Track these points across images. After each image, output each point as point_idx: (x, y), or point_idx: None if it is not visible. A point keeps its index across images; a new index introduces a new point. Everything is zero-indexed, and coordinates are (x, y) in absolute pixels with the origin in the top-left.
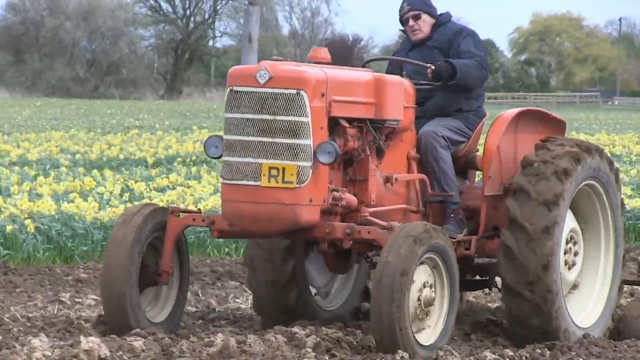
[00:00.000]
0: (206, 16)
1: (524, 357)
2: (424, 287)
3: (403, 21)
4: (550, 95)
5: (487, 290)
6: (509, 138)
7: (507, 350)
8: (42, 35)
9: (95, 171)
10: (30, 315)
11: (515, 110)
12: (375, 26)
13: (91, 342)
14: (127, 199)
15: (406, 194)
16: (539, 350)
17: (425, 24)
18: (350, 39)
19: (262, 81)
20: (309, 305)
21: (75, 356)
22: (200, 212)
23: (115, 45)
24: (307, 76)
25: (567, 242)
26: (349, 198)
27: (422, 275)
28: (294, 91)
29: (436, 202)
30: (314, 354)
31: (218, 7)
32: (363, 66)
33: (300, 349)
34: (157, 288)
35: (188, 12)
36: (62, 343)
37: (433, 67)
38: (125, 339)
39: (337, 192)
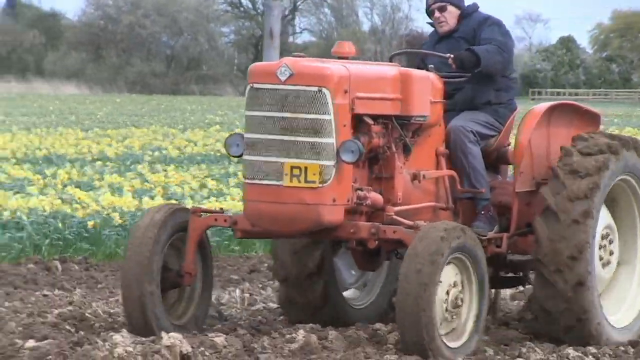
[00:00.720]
0: (286, 12)
1: (607, 355)
2: (452, 287)
3: (429, 13)
4: (632, 91)
5: (520, 287)
6: (541, 132)
7: (590, 348)
8: (119, 31)
9: (174, 167)
10: (111, 311)
11: (546, 104)
12: None
13: (173, 338)
14: (206, 195)
15: (435, 191)
16: (622, 348)
17: (451, 15)
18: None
19: (283, 78)
20: (336, 302)
21: (157, 352)
22: (223, 212)
23: (195, 41)
24: (329, 73)
25: (602, 238)
26: (374, 197)
27: (449, 275)
28: (316, 88)
29: (466, 198)
30: (394, 350)
31: (298, 3)
32: (390, 60)
33: (381, 345)
34: (180, 290)
35: None
36: (143, 339)
37: (452, 56)
38: (206, 335)
39: (362, 191)
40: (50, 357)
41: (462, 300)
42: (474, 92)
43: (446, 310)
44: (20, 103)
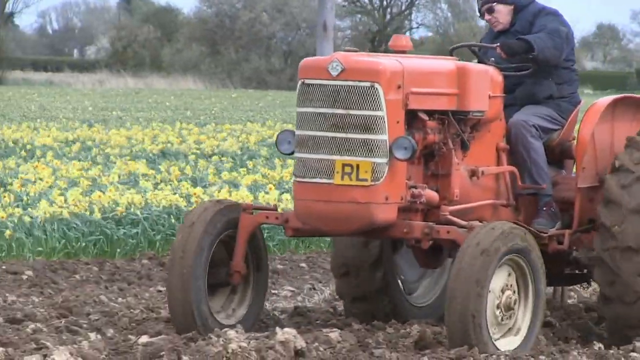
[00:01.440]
0: (403, 7)
1: None
2: (505, 290)
3: (482, 15)
4: None
5: (585, 284)
6: (604, 127)
7: None
8: (237, 27)
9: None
10: None
11: (610, 98)
12: (571, 19)
13: (287, 333)
14: None
15: (495, 187)
16: None
17: (501, 14)
18: None
19: (334, 73)
20: (395, 297)
21: (271, 347)
22: (277, 210)
23: (311, 36)
24: (381, 68)
25: None
26: (430, 194)
27: (502, 278)
28: (368, 84)
29: (528, 195)
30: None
31: None
32: (450, 54)
33: None
34: (232, 288)
35: (385, 3)
36: (257, 334)
37: (499, 44)
38: (321, 330)
39: (416, 188)
40: (163, 352)
41: (515, 302)
42: (535, 86)
43: (499, 311)
44: (136, 98)
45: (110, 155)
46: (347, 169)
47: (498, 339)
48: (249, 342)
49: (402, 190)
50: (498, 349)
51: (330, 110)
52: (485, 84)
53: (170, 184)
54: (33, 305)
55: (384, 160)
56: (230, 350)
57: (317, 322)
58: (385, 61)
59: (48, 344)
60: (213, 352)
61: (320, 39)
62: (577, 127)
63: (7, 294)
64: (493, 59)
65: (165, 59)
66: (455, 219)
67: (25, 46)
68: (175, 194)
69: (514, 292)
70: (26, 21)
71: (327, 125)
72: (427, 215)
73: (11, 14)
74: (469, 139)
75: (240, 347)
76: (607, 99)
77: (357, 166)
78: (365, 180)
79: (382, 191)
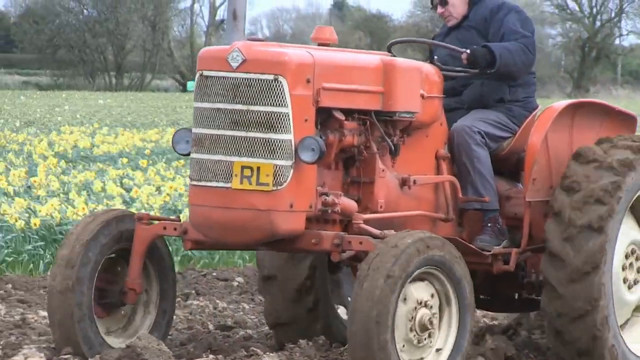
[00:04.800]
0: (612, 14)
1: None
2: (421, 307)
3: (434, 7)
4: None
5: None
6: (562, 135)
7: None
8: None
9: None
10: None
11: (566, 102)
12: None
13: (497, 340)
14: None
15: (431, 199)
16: None
17: (455, 7)
18: None
19: (234, 65)
20: (329, 320)
21: (482, 354)
22: (179, 219)
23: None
24: (286, 59)
25: (627, 257)
26: (346, 203)
27: (418, 292)
28: (271, 77)
29: (474, 209)
30: None
31: (624, 6)
32: (388, 50)
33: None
34: (132, 307)
35: (594, 10)
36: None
37: (468, 52)
38: (530, 337)
39: (328, 196)
40: None
41: (432, 323)
42: (484, 88)
43: (411, 330)
44: None
45: None
46: (247, 172)
47: None
48: None
49: (310, 197)
50: None
51: (229, 106)
52: (415, 82)
53: None
54: (243, 312)
55: (288, 162)
56: None
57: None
58: (292, 52)
59: (258, 351)
60: None
61: (230, 30)
62: None
63: (217, 301)
64: (437, 57)
65: None
66: (369, 228)
67: None
68: None
69: (434, 313)
70: None
71: (225, 123)
72: (347, 227)
73: (222, 22)
74: (398, 143)
75: None
76: (562, 103)
77: (258, 169)
78: (266, 184)
79: (285, 197)
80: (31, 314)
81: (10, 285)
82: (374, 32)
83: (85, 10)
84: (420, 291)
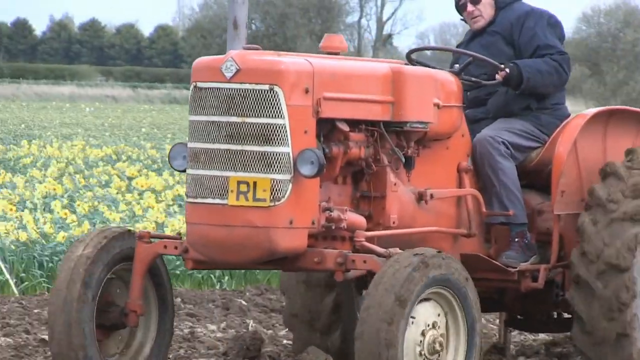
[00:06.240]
0: None
1: None
2: (430, 328)
3: (460, 8)
4: None
5: None
6: (594, 143)
7: None
8: (621, 47)
9: None
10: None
11: (596, 109)
12: None
13: None
14: None
15: (452, 214)
16: None
17: (486, 8)
18: None
19: (228, 75)
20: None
21: None
22: (180, 238)
23: None
24: (282, 68)
25: None
26: (353, 219)
27: (426, 314)
28: (266, 86)
29: (498, 223)
30: None
31: None
32: (408, 58)
33: None
34: (131, 329)
35: None
36: None
37: (507, 71)
38: None
39: (333, 211)
40: None
41: (442, 345)
42: (508, 96)
43: (420, 355)
44: None
45: None
46: (243, 187)
47: None
48: None
49: (312, 213)
50: None
51: (224, 119)
52: (428, 90)
53: None
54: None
55: (287, 176)
56: None
57: None
58: (289, 60)
59: None
60: None
61: (231, 39)
62: None
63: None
64: (457, 65)
65: None
66: (372, 246)
67: None
68: None
69: (442, 334)
70: (404, 42)
71: (221, 136)
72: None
73: (389, 36)
74: (412, 155)
75: None
76: (592, 110)
77: (254, 184)
78: (264, 200)
79: (284, 213)
80: (200, 328)
81: (179, 299)
82: None
83: (253, 25)
84: (427, 312)
